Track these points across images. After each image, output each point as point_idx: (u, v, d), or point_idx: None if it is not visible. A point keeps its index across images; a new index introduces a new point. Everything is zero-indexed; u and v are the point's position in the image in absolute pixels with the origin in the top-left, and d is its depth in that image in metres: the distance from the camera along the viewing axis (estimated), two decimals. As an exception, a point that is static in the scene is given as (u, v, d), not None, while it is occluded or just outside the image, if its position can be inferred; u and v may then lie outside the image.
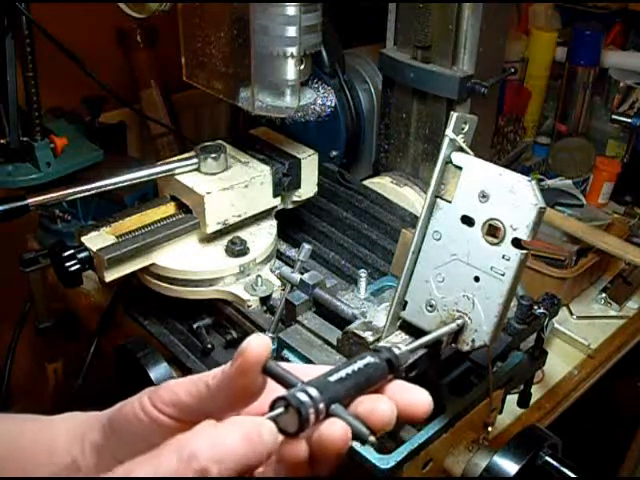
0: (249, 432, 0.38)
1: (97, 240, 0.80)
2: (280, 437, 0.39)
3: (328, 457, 0.39)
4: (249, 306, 0.83)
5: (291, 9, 0.77)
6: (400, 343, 0.62)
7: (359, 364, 0.44)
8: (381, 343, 0.62)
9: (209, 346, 0.83)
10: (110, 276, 0.80)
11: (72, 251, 0.79)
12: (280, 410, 0.39)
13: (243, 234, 0.89)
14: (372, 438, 0.39)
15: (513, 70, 1.18)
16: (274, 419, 0.39)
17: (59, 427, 0.49)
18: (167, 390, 0.43)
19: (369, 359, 0.45)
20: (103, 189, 0.84)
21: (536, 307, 0.79)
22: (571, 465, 0.69)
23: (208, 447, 0.36)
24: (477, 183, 0.57)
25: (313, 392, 0.39)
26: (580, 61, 1.46)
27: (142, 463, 0.36)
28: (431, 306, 0.61)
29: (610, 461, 1.48)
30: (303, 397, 0.39)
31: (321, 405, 0.39)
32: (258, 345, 0.40)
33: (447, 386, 0.72)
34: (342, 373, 0.43)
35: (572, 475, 0.69)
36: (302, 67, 0.82)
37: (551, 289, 0.87)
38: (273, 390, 0.41)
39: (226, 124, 1.54)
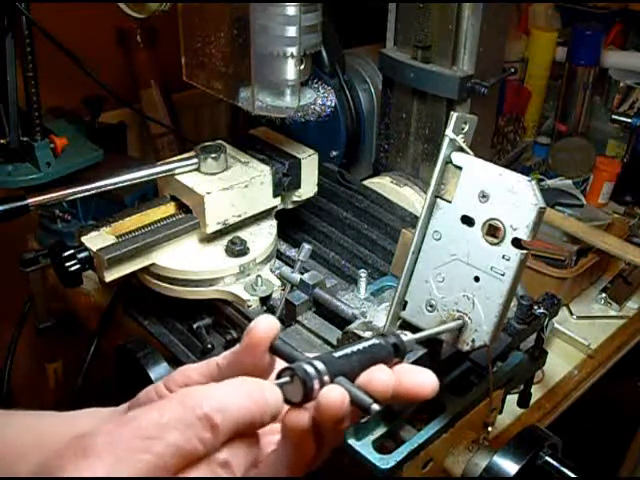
0: (252, 390, 0.39)
1: (97, 240, 0.80)
2: (285, 406, 0.41)
3: (327, 423, 0.40)
4: (249, 306, 0.83)
5: (291, 9, 0.77)
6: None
7: (365, 344, 0.46)
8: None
9: (209, 346, 0.83)
10: (110, 276, 0.80)
11: (72, 251, 0.79)
12: (286, 379, 0.40)
13: (243, 234, 0.89)
14: (375, 406, 0.40)
15: (513, 70, 1.18)
16: (280, 388, 0.40)
17: (81, 422, 0.49)
18: (181, 374, 0.45)
19: (374, 341, 0.47)
20: (103, 189, 0.84)
21: (536, 307, 0.79)
22: (571, 465, 0.69)
23: (212, 398, 0.38)
24: (477, 183, 0.57)
25: (319, 365, 0.41)
26: (580, 61, 1.46)
27: (147, 410, 0.38)
28: (431, 306, 0.61)
29: (610, 461, 1.48)
30: (309, 368, 0.40)
31: (326, 377, 0.41)
32: (265, 324, 0.42)
33: (447, 386, 0.72)
34: (347, 350, 0.44)
35: (572, 475, 0.69)
36: (302, 67, 0.82)
37: (551, 289, 0.87)
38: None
39: (226, 124, 1.54)
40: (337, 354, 0.43)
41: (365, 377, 0.43)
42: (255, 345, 0.42)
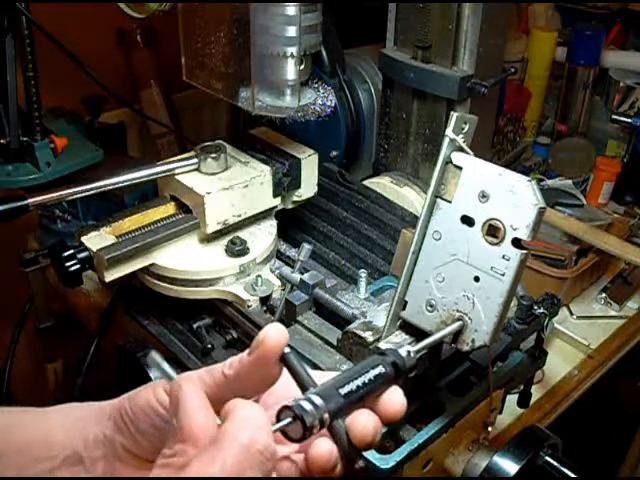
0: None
1: (97, 240, 0.80)
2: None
3: (316, 473, 0.40)
4: (249, 306, 0.83)
5: (291, 9, 0.77)
6: (400, 343, 0.62)
7: (370, 375, 0.45)
8: (381, 343, 0.63)
9: (209, 346, 0.83)
10: (110, 276, 0.80)
11: (72, 251, 0.79)
12: (288, 420, 0.40)
13: (243, 234, 0.89)
14: (360, 463, 0.41)
15: (513, 70, 1.18)
16: (281, 429, 0.40)
17: (55, 419, 0.49)
18: (184, 382, 0.44)
19: (380, 369, 0.46)
20: (103, 189, 0.84)
21: (536, 307, 0.79)
22: (571, 465, 0.69)
23: (257, 424, 0.38)
24: (477, 183, 0.57)
25: (318, 401, 0.41)
26: (580, 61, 1.46)
27: (208, 462, 0.37)
28: (431, 306, 0.61)
29: (610, 461, 1.48)
30: (308, 407, 0.40)
31: (325, 415, 0.41)
32: (276, 335, 0.42)
33: (447, 386, 0.72)
34: (352, 386, 0.44)
35: (572, 475, 0.69)
36: (302, 67, 0.82)
37: (551, 289, 0.87)
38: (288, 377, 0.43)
39: (226, 124, 1.54)
40: (342, 390, 0.43)
41: (348, 421, 0.43)
42: (267, 357, 0.42)
